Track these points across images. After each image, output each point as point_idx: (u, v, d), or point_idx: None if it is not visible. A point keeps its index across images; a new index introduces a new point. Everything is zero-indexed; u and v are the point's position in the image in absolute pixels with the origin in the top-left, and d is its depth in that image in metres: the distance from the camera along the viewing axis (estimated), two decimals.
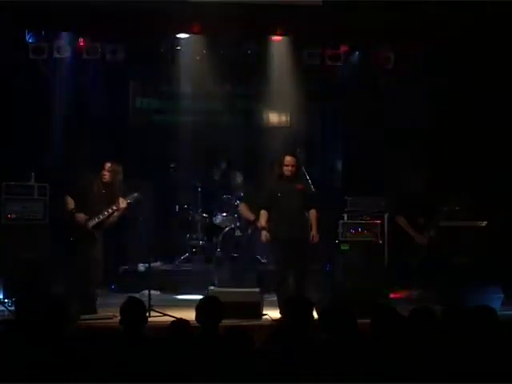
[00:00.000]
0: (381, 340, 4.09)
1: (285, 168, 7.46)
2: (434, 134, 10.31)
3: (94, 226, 7.41)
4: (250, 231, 9.24)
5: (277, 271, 7.57)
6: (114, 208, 7.35)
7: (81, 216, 7.38)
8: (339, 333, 3.98)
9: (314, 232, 7.50)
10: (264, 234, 7.50)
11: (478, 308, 4.18)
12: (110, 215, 7.40)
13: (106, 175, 7.44)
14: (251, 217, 8.23)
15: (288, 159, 7.45)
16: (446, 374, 3.64)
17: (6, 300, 7.65)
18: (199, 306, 4.63)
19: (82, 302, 7.29)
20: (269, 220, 7.55)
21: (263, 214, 7.56)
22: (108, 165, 7.43)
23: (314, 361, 3.73)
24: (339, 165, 10.81)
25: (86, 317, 7.03)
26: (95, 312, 7.31)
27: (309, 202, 7.56)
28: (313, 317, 4.49)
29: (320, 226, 7.71)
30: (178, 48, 9.76)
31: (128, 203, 7.37)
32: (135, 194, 7.43)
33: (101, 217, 7.38)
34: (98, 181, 7.51)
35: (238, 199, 9.68)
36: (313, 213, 7.58)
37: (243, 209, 9.31)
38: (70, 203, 7.43)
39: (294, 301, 4.69)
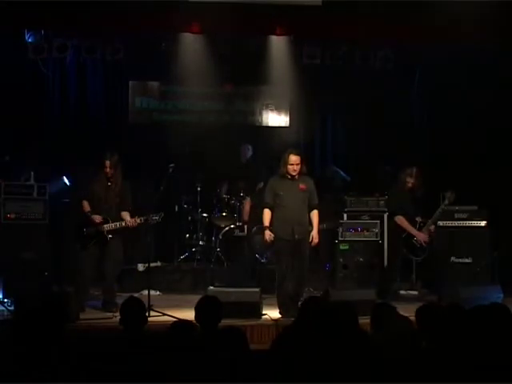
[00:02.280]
0: (382, 339, 4.08)
1: (289, 167, 7.39)
2: (433, 134, 10.32)
3: (109, 231, 7.56)
4: (253, 230, 9.19)
5: (278, 270, 7.55)
6: (124, 224, 7.57)
7: (96, 217, 7.56)
8: (339, 332, 3.98)
9: (314, 233, 7.47)
10: (267, 234, 7.47)
11: (492, 306, 4.16)
12: (122, 227, 7.60)
13: (109, 171, 7.62)
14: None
15: (294, 158, 7.38)
16: (454, 372, 3.63)
17: (5, 300, 7.65)
18: (198, 306, 4.63)
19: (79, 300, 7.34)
20: (271, 219, 7.53)
21: (266, 212, 7.53)
22: (108, 162, 7.58)
23: (315, 361, 3.72)
24: (339, 164, 10.78)
25: (86, 317, 7.04)
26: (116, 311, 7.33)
27: (311, 202, 7.54)
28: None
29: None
30: (178, 48, 9.75)
31: (139, 223, 7.61)
32: (155, 217, 7.53)
33: (116, 225, 7.56)
34: (102, 177, 7.66)
35: (239, 200, 9.68)
36: (315, 213, 7.55)
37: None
38: (86, 207, 7.65)
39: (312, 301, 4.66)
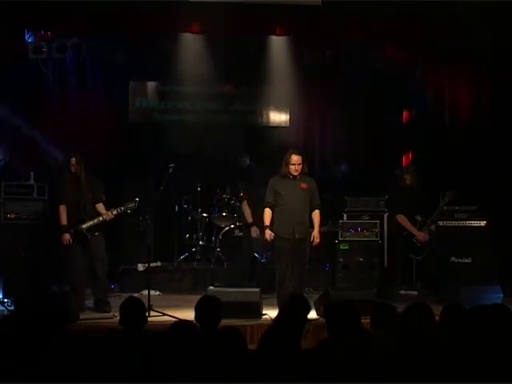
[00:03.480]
0: (382, 339, 4.08)
1: (291, 167, 7.39)
2: (433, 134, 10.31)
3: (88, 229, 7.59)
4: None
5: (278, 270, 7.55)
6: (101, 219, 7.61)
7: (66, 237, 7.55)
8: (342, 331, 3.97)
9: (315, 233, 7.46)
10: (268, 233, 7.47)
11: (492, 306, 4.15)
12: (100, 222, 7.63)
13: (76, 168, 7.64)
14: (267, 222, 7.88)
15: (295, 158, 7.38)
16: (452, 374, 3.63)
17: (5, 300, 7.65)
18: (198, 306, 4.63)
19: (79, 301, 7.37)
20: (272, 218, 7.54)
21: (267, 212, 7.53)
22: (73, 159, 7.63)
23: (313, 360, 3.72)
24: (339, 165, 10.79)
25: (86, 317, 7.04)
26: (109, 310, 7.35)
27: (312, 202, 7.53)
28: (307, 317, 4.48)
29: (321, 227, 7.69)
30: (178, 48, 9.75)
31: (116, 214, 7.65)
32: (129, 205, 7.62)
33: (94, 221, 7.59)
34: (69, 178, 7.69)
35: (239, 200, 9.66)
36: (316, 213, 7.55)
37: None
38: (63, 219, 7.64)
39: (292, 299, 4.69)
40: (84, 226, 7.56)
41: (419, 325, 3.97)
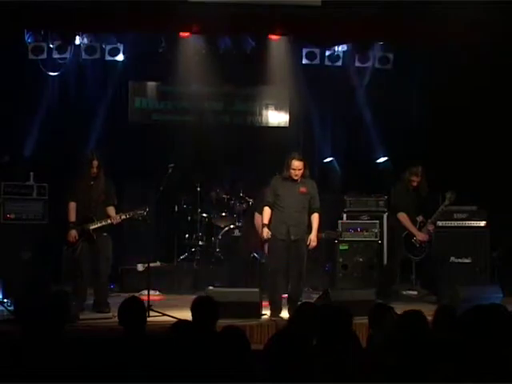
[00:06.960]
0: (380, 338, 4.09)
1: (292, 172, 7.39)
2: (433, 134, 10.32)
3: (95, 229, 7.60)
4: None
5: (271, 265, 7.53)
6: (109, 222, 7.64)
7: (72, 233, 7.55)
8: (336, 333, 3.97)
9: (312, 236, 7.43)
10: (265, 232, 7.47)
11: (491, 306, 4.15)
12: (107, 224, 7.66)
13: (95, 171, 7.66)
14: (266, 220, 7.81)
15: (296, 164, 7.37)
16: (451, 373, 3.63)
17: (5, 300, 7.65)
18: (194, 306, 4.63)
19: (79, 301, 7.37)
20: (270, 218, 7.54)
21: (266, 211, 7.54)
22: (95, 163, 7.62)
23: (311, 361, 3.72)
24: (339, 165, 10.79)
25: (86, 317, 7.05)
26: (108, 311, 7.35)
27: (312, 205, 7.52)
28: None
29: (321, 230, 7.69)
30: (178, 48, 9.76)
31: (124, 219, 7.70)
32: (139, 212, 7.63)
33: (102, 223, 7.61)
34: (86, 177, 7.69)
35: (240, 201, 9.67)
36: (315, 216, 7.53)
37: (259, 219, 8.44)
38: (71, 216, 7.63)
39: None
40: (92, 226, 7.56)
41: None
